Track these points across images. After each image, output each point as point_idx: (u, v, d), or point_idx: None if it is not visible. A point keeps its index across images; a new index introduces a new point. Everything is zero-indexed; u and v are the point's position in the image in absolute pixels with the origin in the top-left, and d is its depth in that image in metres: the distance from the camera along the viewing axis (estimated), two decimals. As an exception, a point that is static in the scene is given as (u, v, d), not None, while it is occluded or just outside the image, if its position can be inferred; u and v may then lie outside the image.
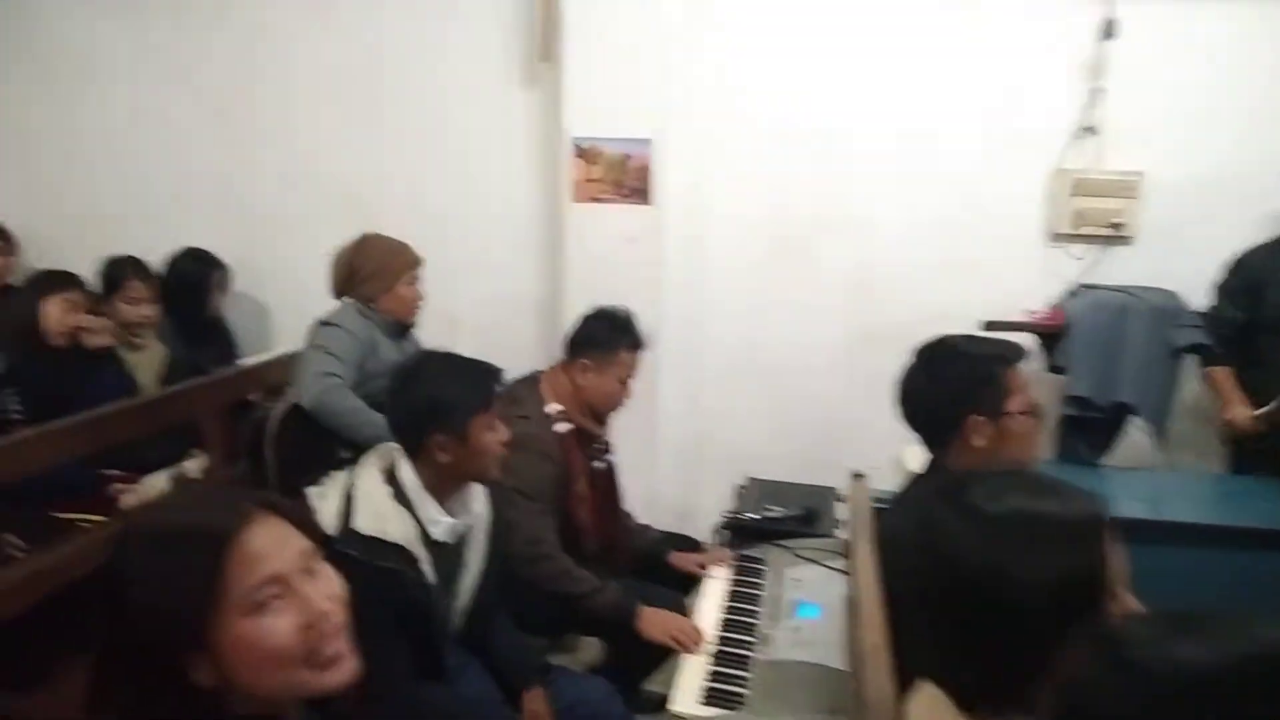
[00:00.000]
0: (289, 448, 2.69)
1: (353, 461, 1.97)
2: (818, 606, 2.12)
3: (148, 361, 3.32)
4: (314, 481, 1.89)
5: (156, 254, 3.52)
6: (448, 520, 1.94)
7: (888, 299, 3.53)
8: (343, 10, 3.72)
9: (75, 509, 2.78)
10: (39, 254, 3.88)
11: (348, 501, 1.85)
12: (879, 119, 3.47)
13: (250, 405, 3.14)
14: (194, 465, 2.98)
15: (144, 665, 0.98)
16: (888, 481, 2.17)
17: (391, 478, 1.91)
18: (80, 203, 4.02)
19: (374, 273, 2.83)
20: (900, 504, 1.75)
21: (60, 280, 2.98)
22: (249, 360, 3.64)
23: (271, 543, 1.01)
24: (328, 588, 1.05)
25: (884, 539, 1.33)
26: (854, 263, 3.56)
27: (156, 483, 2.93)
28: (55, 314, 2.93)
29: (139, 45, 3.90)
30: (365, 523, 1.80)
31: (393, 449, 1.96)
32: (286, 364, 3.02)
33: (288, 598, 1.00)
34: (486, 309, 3.70)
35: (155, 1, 3.85)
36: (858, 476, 2.07)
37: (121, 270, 3.27)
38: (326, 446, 2.66)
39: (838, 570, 2.23)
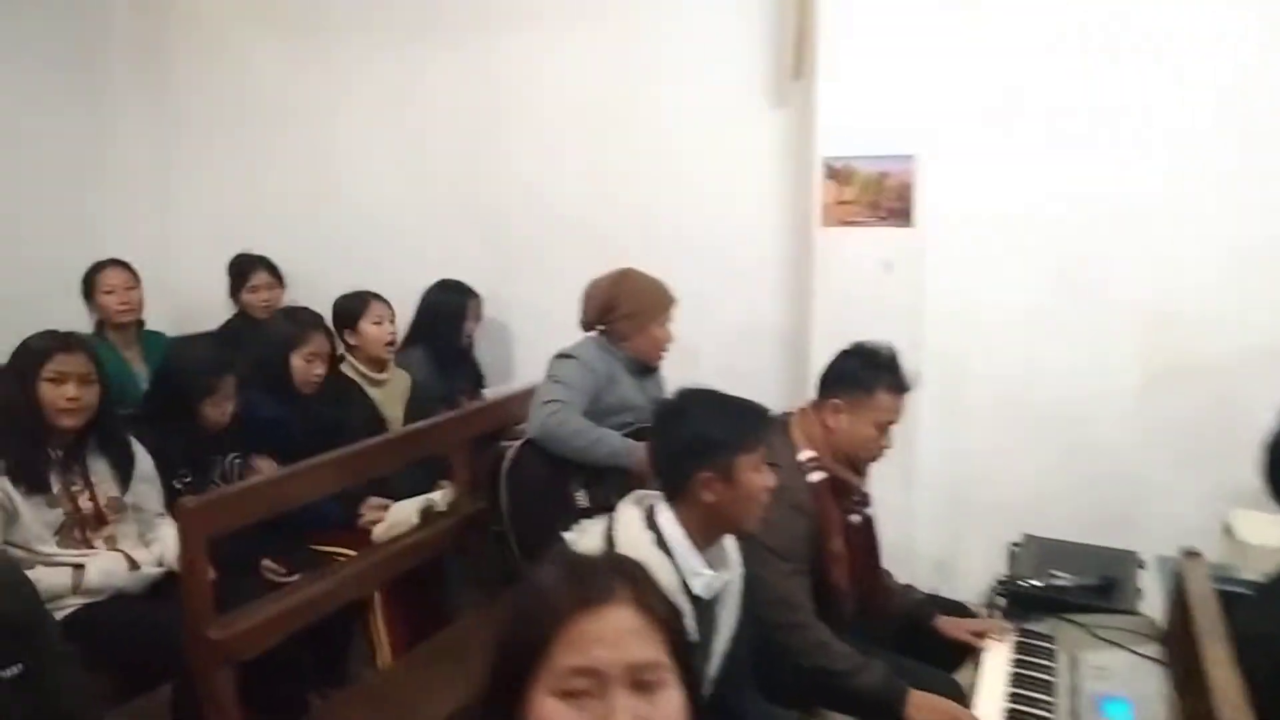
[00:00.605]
0: (523, 483, 2.65)
1: (594, 509, 1.86)
2: (1128, 703, 1.77)
3: (392, 391, 3.41)
4: (551, 521, 1.81)
5: (407, 286, 3.62)
6: (709, 573, 1.79)
7: (1198, 334, 3.02)
8: (585, 37, 3.70)
9: (331, 541, 2.86)
10: (295, 289, 4.08)
11: (609, 545, 1.74)
12: (1188, 121, 2.98)
13: (494, 438, 3.13)
14: (441, 496, 3.01)
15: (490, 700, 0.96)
16: (1210, 551, 1.78)
17: (650, 524, 1.78)
18: (330, 237, 4.22)
19: (632, 312, 2.76)
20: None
21: (306, 327, 3.08)
22: (495, 391, 3.67)
23: (610, 634, 0.91)
24: (654, 712, 0.91)
25: (1250, 637, 1.02)
26: (1155, 290, 3.07)
27: (405, 512, 2.97)
28: (300, 367, 3.04)
29: (387, 82, 4.06)
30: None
31: (649, 495, 1.83)
32: (527, 398, 2.98)
33: (596, 700, 0.90)
34: (726, 342, 3.51)
35: (400, 33, 3.99)
36: (1191, 554, 1.69)
37: (362, 302, 3.38)
38: (560, 482, 2.60)
39: (1151, 659, 1.86)
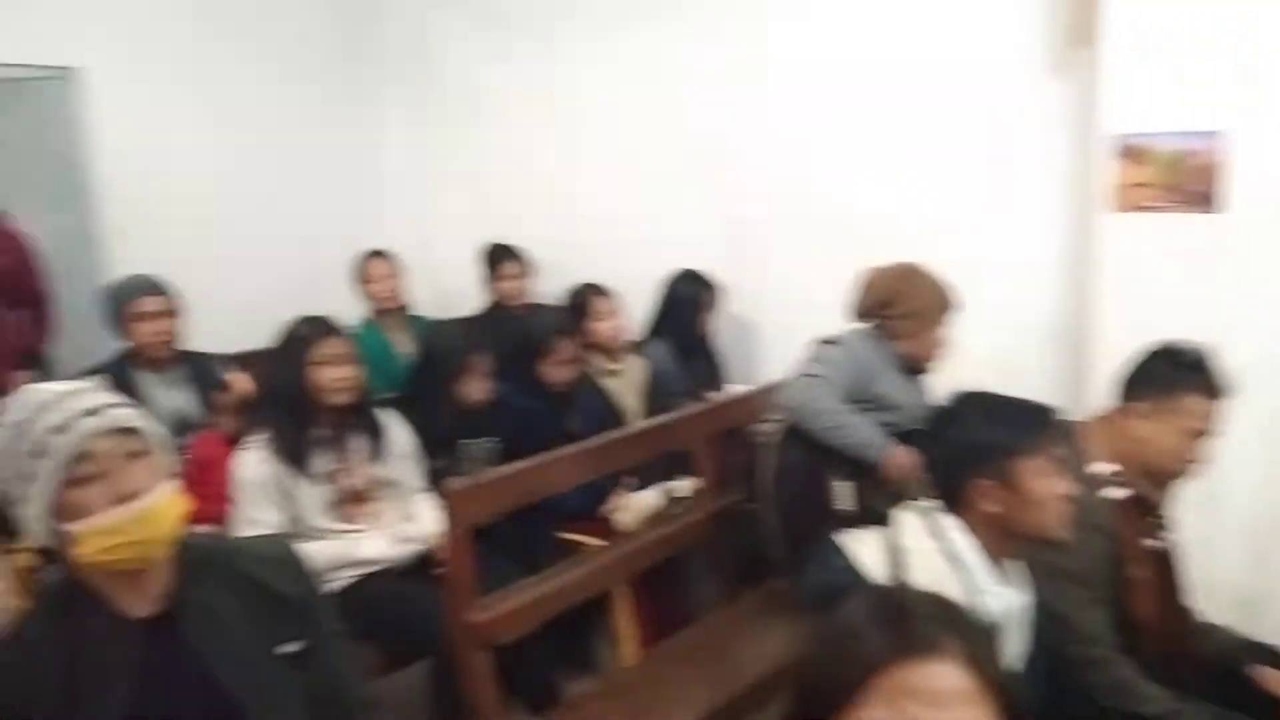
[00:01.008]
0: (781, 466, 2.57)
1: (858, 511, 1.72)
2: None
3: (627, 381, 3.39)
4: (811, 511, 1.68)
5: (650, 276, 3.60)
6: (1003, 590, 1.62)
7: None
8: (846, 14, 3.52)
9: (577, 530, 2.88)
10: (545, 277, 4.15)
11: (893, 554, 1.62)
12: None
13: (739, 432, 3.04)
14: (684, 484, 2.96)
15: None
16: None
17: (936, 533, 1.64)
18: (577, 226, 4.25)
19: (912, 311, 2.61)
20: None
21: (556, 336, 3.08)
22: (737, 387, 3.59)
23: (933, 694, 0.82)
24: None
25: None
26: None
27: (647, 499, 2.95)
28: (549, 371, 3.07)
29: (639, 68, 4.04)
30: (922, 580, 1.53)
31: (930, 506, 1.68)
32: (774, 392, 2.87)
33: None
34: (997, 339, 3.18)
35: (658, 19, 3.96)
36: None
37: (583, 298, 3.39)
38: (818, 471, 2.51)
39: None
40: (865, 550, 1.64)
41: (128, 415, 1.33)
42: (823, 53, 3.57)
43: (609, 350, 3.36)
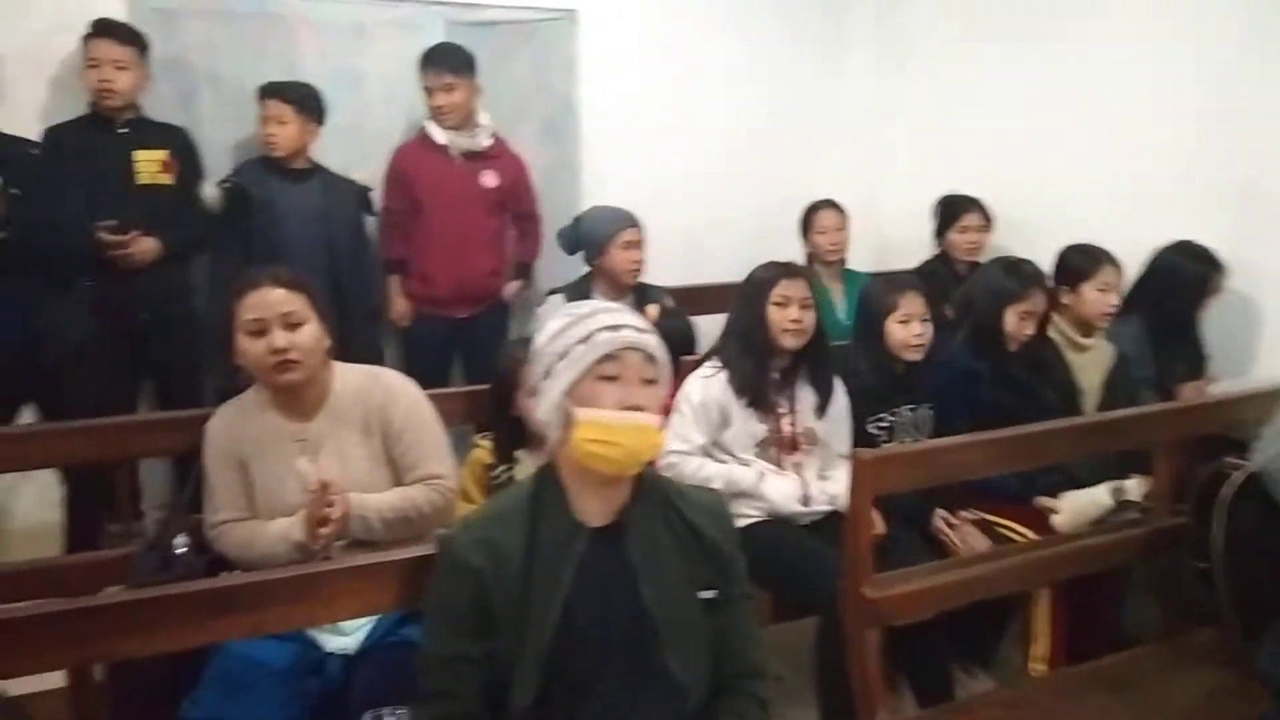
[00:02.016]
0: (1242, 523, 2.11)
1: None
2: None
3: (1092, 360, 3.00)
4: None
5: (1131, 245, 3.13)
6: None
7: None
8: None
9: (1006, 515, 2.64)
10: (1002, 234, 3.87)
11: None
12: None
13: (1210, 444, 2.55)
14: (1135, 485, 2.58)
15: None
16: None
17: None
18: (1047, 181, 3.85)
19: None
20: None
21: (1027, 283, 2.81)
22: (1221, 385, 3.04)
23: None
24: None
25: None
26: None
27: (1090, 498, 2.61)
28: (1013, 324, 2.79)
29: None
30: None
31: None
32: (1268, 401, 2.35)
33: None
34: None
35: None
36: None
37: (1094, 259, 2.98)
38: None
39: None
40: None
41: (658, 348, 1.53)
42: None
43: (1088, 325, 3.00)
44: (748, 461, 2.52)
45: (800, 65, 4.55)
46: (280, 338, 1.95)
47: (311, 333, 2.00)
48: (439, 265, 3.56)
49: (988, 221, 3.83)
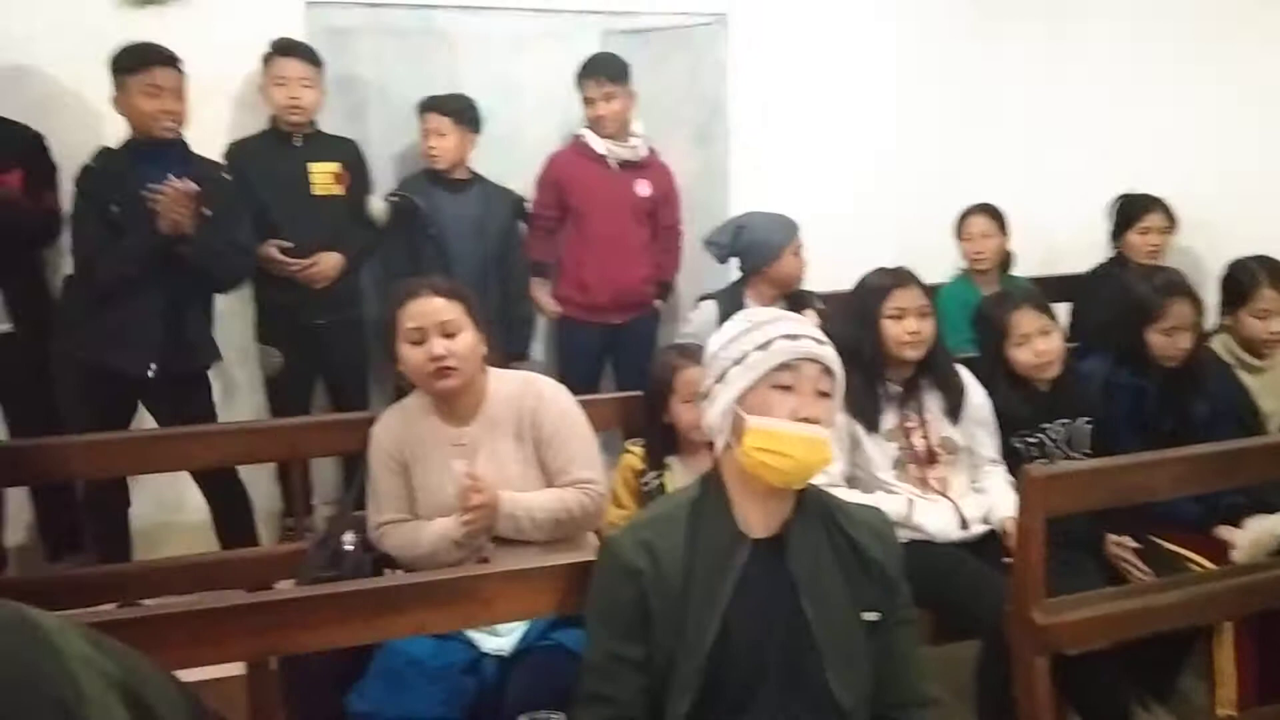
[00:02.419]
0: None
1: None
2: None
3: (1273, 381, 2.75)
4: None
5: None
6: None
7: None
8: None
9: (1182, 543, 2.46)
10: (1186, 234, 3.62)
11: None
12: None
13: None
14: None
15: None
16: None
17: None
18: (1239, 180, 3.57)
19: None
20: None
21: (1166, 296, 2.59)
22: None
23: None
24: None
25: None
26: None
27: (1266, 528, 2.40)
28: (1159, 342, 2.59)
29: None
30: None
31: None
32: None
33: None
34: None
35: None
36: None
37: (1252, 280, 2.74)
38: None
39: None
40: None
41: (835, 361, 1.50)
42: None
43: (1257, 350, 2.77)
44: (890, 485, 2.39)
45: (961, 65, 4.38)
46: (438, 345, 2.01)
47: (468, 340, 2.06)
48: (595, 272, 3.61)
49: (1171, 222, 3.59)
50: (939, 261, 3.61)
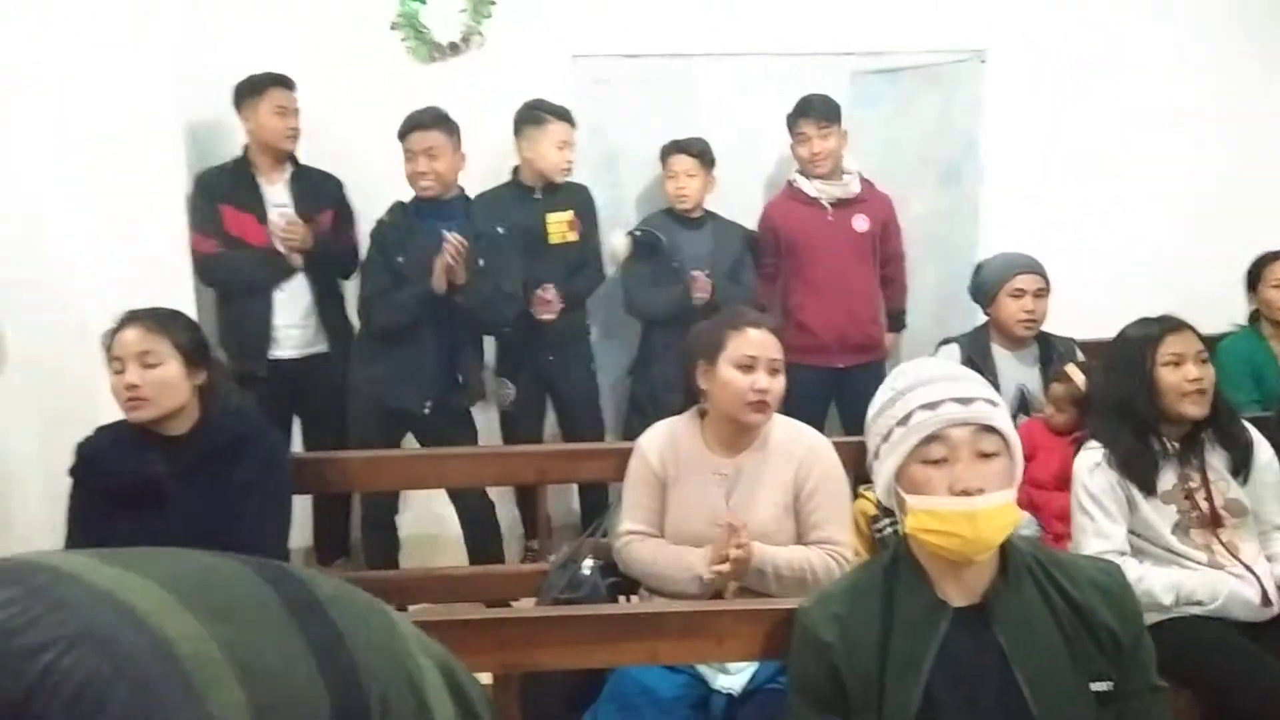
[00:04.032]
0: None
1: None
2: None
3: None
4: None
5: None
6: None
7: None
8: None
9: None
10: None
11: None
12: None
13: None
14: None
15: None
16: None
17: None
18: None
19: None
20: None
21: None
22: None
23: None
24: None
25: None
26: None
27: None
28: None
29: None
30: None
31: None
32: None
33: None
34: None
35: None
36: None
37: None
38: None
39: None
40: None
41: (992, 414, 1.38)
42: None
43: None
44: (1183, 557, 2.18)
45: (1250, 97, 4.00)
46: (763, 379, 2.09)
47: (783, 382, 2.13)
48: (816, 315, 3.60)
49: None
50: (1211, 313, 3.29)
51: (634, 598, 2.24)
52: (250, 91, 3.27)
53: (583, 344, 3.62)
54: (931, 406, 1.37)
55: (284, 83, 3.29)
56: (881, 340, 3.72)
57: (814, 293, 3.61)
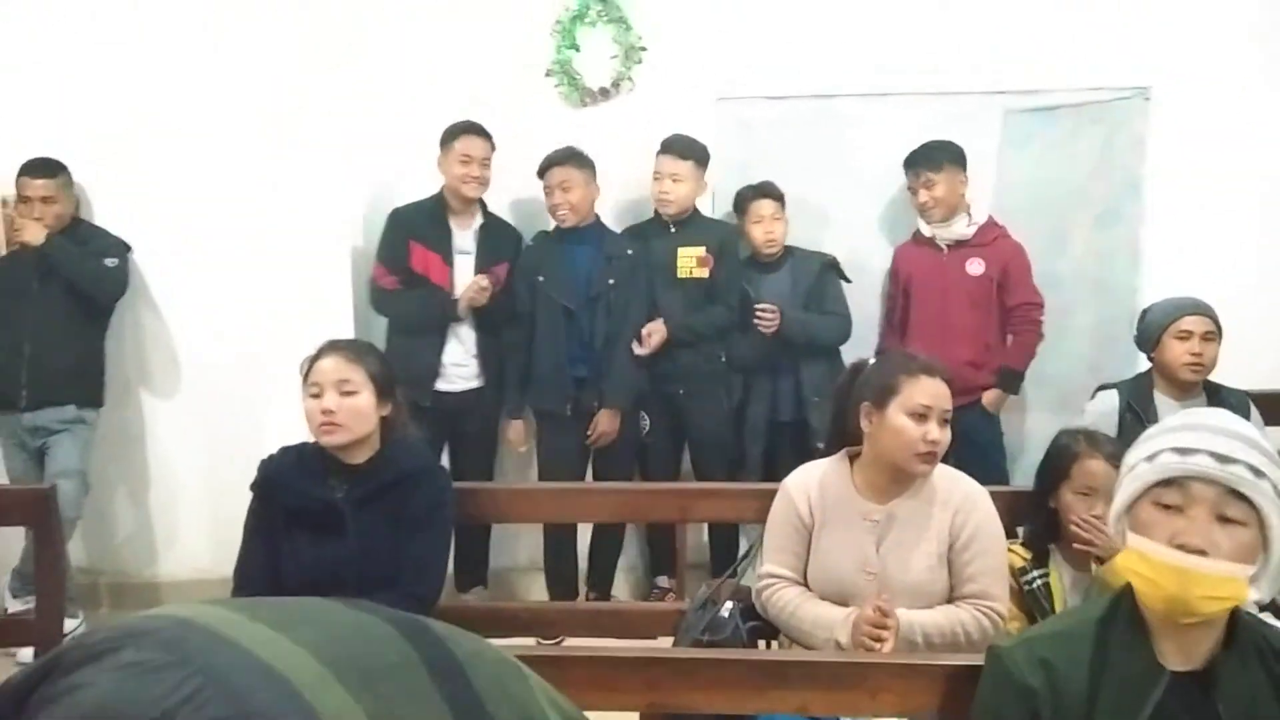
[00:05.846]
0: None
1: None
2: None
3: None
4: None
5: None
6: None
7: None
8: None
9: None
10: None
11: None
12: None
13: None
14: None
15: None
16: None
17: None
18: None
19: None
20: None
21: None
22: None
23: None
24: None
25: None
26: None
27: None
28: None
29: None
30: None
31: None
32: None
33: None
34: None
35: None
36: None
37: None
38: None
39: None
40: None
41: (1250, 483, 1.27)
42: None
43: None
44: None
45: None
46: (934, 430, 2.02)
47: (949, 433, 2.06)
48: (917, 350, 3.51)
49: None
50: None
51: (774, 644, 2.19)
52: (447, 136, 3.46)
53: (716, 380, 3.62)
54: (1182, 452, 1.31)
55: (474, 130, 3.45)
56: (982, 386, 3.52)
57: (916, 332, 3.58)
